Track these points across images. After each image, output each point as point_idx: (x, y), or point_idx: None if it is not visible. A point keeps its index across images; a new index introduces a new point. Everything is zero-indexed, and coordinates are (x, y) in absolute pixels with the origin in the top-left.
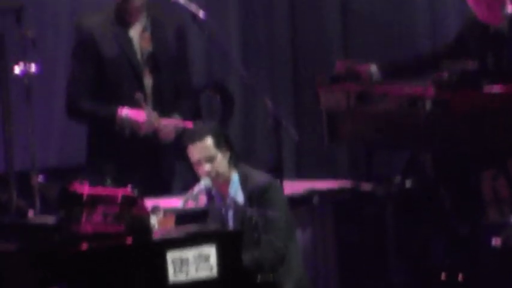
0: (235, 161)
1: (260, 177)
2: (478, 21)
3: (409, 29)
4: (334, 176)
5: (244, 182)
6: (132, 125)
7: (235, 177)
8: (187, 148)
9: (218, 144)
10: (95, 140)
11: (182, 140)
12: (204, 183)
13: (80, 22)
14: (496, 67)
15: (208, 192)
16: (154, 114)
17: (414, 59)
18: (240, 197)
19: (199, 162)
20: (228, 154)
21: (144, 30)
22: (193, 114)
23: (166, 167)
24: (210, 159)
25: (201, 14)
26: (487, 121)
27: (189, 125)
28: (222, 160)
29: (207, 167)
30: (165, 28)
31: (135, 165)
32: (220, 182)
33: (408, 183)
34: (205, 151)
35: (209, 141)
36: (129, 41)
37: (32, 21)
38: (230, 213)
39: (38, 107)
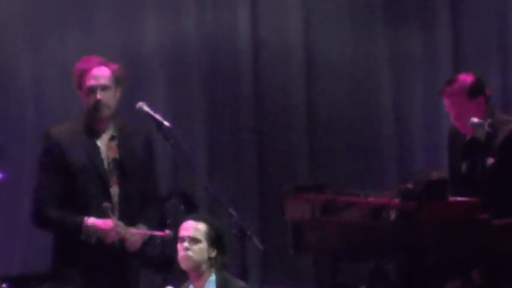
0: (219, 266)
1: (237, 283)
2: (458, 130)
3: (375, 142)
4: (299, 285)
5: (221, 284)
6: (99, 233)
7: (212, 278)
8: (182, 222)
9: (209, 237)
10: (60, 247)
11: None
12: None
13: (47, 131)
14: (468, 175)
15: None
16: (121, 224)
17: None
18: None
19: (183, 239)
20: (214, 254)
21: (111, 139)
22: (159, 223)
23: (131, 275)
24: (194, 241)
25: (166, 122)
26: (451, 231)
27: (155, 233)
28: (204, 251)
29: (186, 244)
30: (132, 137)
31: (100, 274)
32: (190, 268)
33: None
34: (193, 231)
35: (202, 226)
36: (96, 149)
37: None
38: None
39: (2, 215)
